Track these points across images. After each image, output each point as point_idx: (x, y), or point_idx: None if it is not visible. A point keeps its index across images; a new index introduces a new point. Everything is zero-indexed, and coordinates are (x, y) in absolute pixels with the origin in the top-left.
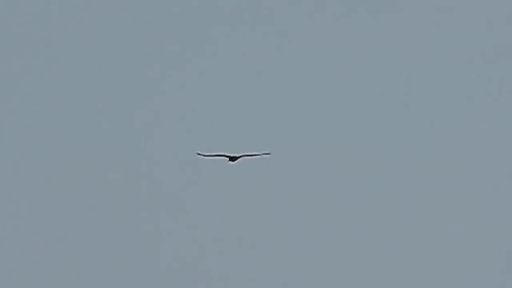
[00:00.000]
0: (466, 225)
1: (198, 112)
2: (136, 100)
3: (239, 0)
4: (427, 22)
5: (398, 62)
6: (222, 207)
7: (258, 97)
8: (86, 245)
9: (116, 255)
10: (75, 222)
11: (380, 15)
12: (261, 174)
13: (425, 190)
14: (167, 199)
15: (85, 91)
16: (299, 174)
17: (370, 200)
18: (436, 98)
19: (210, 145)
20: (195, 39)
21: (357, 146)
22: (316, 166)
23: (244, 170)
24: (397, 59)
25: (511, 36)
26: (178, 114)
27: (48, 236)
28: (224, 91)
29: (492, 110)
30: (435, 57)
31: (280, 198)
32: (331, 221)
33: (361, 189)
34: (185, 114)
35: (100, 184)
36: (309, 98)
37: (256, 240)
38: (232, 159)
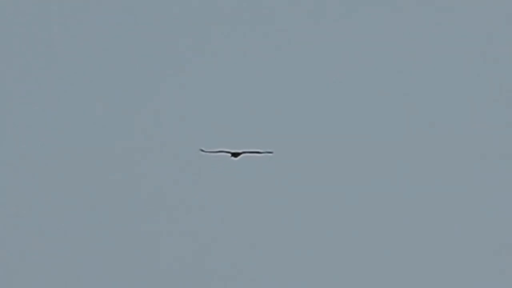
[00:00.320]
0: (466, 225)
1: (199, 112)
2: (137, 100)
3: (239, 0)
4: (427, 22)
5: (398, 62)
6: (222, 206)
7: (259, 97)
8: (86, 245)
9: (116, 255)
10: (75, 222)
11: (380, 15)
12: (262, 174)
13: (425, 189)
14: (167, 198)
15: (85, 91)
16: (300, 174)
17: (370, 199)
18: (436, 98)
19: (212, 145)
20: (195, 39)
21: (357, 145)
22: (315, 165)
23: (245, 170)
24: (397, 59)
25: (511, 36)
26: (179, 114)
27: (48, 236)
28: (225, 90)
29: (492, 110)
30: (435, 57)
31: (280, 198)
32: (331, 220)
33: (361, 189)
34: (186, 114)
35: (100, 184)
36: (309, 98)
37: (256, 240)
38: (235, 155)
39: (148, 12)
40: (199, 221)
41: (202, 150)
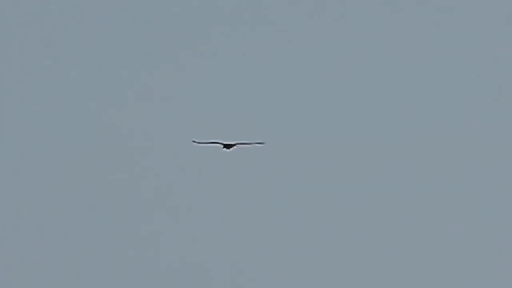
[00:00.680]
0: (466, 224)
1: (197, 110)
2: (135, 100)
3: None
4: (427, 22)
5: (398, 62)
6: (219, 203)
7: (258, 96)
8: (86, 245)
9: (116, 255)
10: (75, 222)
11: (380, 15)
12: (261, 173)
13: (425, 188)
14: (164, 197)
15: (84, 91)
16: (299, 173)
17: (368, 198)
18: (436, 98)
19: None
20: (191, 36)
21: (357, 145)
22: (315, 164)
23: (244, 170)
24: (397, 59)
25: (511, 36)
26: (177, 113)
27: (48, 236)
28: (224, 90)
29: (492, 110)
30: (435, 57)
31: (280, 198)
32: (330, 220)
33: (360, 188)
34: (184, 113)
35: (99, 184)
36: (308, 96)
37: (255, 238)
38: (227, 146)
39: (145, 9)
40: (197, 220)
41: (195, 142)
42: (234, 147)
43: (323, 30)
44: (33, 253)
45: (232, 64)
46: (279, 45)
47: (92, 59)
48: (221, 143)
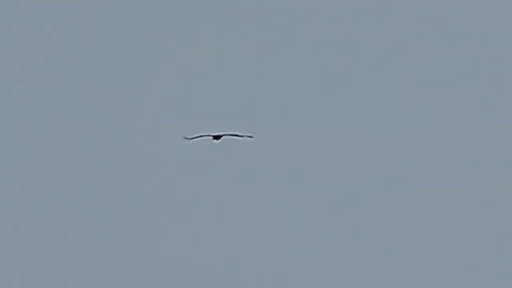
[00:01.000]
0: (466, 223)
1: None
2: (135, 100)
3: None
4: (427, 22)
5: (397, 60)
6: (219, 204)
7: (258, 96)
8: (86, 245)
9: (115, 255)
10: (75, 222)
11: (380, 15)
12: (261, 173)
13: (424, 187)
14: (164, 197)
15: (84, 91)
16: (299, 173)
17: (367, 196)
18: (436, 96)
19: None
20: (191, 36)
21: (356, 144)
22: (314, 163)
23: (244, 170)
24: (396, 57)
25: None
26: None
27: (48, 236)
28: (224, 89)
29: (491, 109)
30: (435, 57)
31: (280, 197)
32: (329, 219)
33: (360, 187)
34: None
35: (99, 184)
36: (305, 93)
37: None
38: (216, 137)
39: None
40: (197, 219)
41: (186, 138)
42: (223, 137)
43: (318, 25)
44: (33, 253)
45: (232, 64)
46: (279, 44)
47: (92, 59)
48: (210, 135)
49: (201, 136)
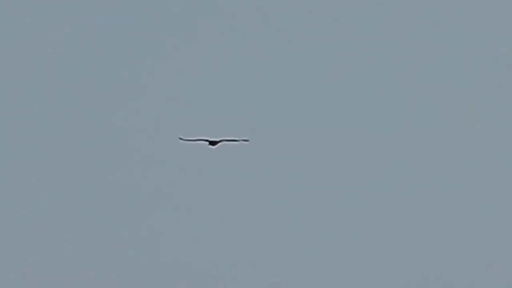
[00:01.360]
0: (466, 224)
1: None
2: (136, 100)
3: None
4: (427, 22)
5: (397, 61)
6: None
7: (257, 96)
8: (86, 245)
9: (115, 255)
10: (75, 222)
11: (380, 15)
12: (261, 172)
13: (424, 187)
14: (164, 197)
15: (84, 91)
16: (300, 173)
17: (367, 197)
18: (436, 97)
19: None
20: (191, 36)
21: (357, 144)
22: (314, 164)
23: (244, 170)
24: (397, 58)
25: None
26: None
27: (48, 236)
28: (223, 88)
29: (492, 110)
30: (435, 57)
31: (280, 197)
32: (329, 219)
33: (360, 187)
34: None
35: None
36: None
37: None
38: (212, 143)
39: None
40: (197, 219)
41: (181, 139)
42: (220, 143)
43: (318, 25)
44: (33, 253)
45: (232, 64)
46: (279, 44)
47: (92, 59)
48: (207, 140)
49: (197, 140)
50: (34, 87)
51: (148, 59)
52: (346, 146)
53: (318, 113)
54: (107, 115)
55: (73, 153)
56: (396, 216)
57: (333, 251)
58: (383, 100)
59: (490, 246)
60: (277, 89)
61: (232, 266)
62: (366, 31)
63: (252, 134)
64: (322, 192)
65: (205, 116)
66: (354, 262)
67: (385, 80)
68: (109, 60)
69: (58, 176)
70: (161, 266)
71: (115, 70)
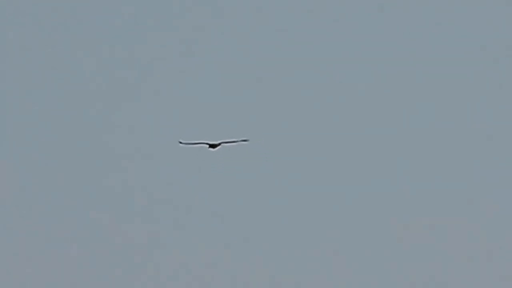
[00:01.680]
0: (466, 224)
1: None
2: (136, 99)
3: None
4: (427, 22)
5: (397, 61)
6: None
7: (258, 96)
8: (86, 246)
9: (116, 256)
10: (75, 223)
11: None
12: (261, 172)
13: (424, 186)
14: (164, 197)
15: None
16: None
17: (367, 197)
18: (436, 97)
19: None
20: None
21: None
22: (314, 164)
23: (244, 169)
24: (397, 58)
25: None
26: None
27: (48, 236)
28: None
29: (492, 110)
30: (435, 57)
31: (280, 197)
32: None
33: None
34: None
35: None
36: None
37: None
38: (212, 146)
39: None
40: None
41: (181, 142)
42: (219, 146)
43: (318, 25)
44: (33, 253)
45: (232, 64)
46: (279, 44)
47: (92, 59)
48: (207, 143)
49: (197, 143)
50: (34, 87)
51: (148, 59)
52: (346, 146)
53: (318, 113)
54: (107, 115)
55: (73, 153)
56: (396, 216)
57: (333, 251)
58: (383, 100)
59: (490, 246)
60: (277, 89)
61: (232, 266)
62: (366, 31)
63: (252, 135)
64: (322, 192)
65: (205, 115)
66: (354, 262)
67: (385, 80)
68: (109, 60)
69: (58, 176)
70: (161, 266)
71: (115, 70)
